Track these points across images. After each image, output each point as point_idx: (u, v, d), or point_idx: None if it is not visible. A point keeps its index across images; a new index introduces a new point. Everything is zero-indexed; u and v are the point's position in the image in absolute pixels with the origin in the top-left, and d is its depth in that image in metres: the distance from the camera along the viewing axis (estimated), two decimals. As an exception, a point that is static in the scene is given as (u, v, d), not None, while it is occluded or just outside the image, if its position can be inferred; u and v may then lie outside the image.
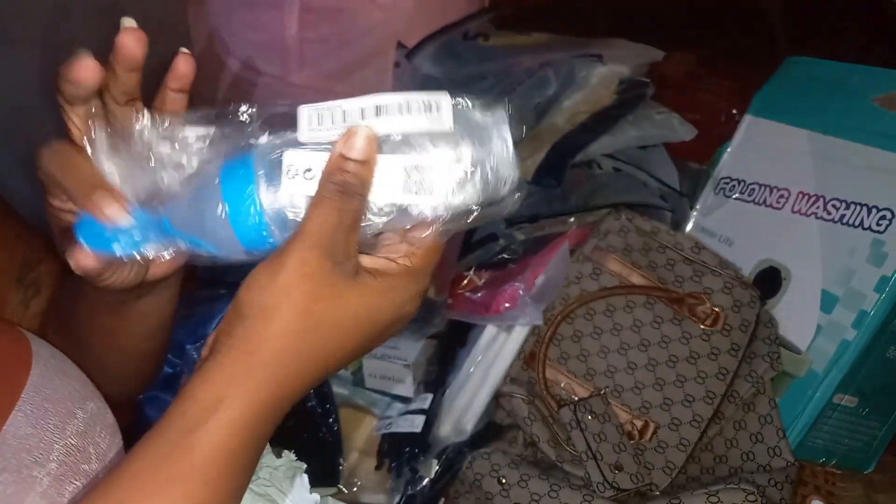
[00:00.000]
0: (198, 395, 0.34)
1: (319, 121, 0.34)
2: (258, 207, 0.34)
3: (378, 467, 0.70)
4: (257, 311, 0.34)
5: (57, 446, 0.37)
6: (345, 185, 0.33)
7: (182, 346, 0.79)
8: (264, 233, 0.34)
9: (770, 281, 0.78)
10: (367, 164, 0.33)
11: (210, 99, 0.99)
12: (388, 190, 0.34)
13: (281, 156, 0.34)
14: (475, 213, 0.35)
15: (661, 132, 0.87)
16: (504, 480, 0.68)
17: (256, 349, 0.34)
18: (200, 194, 0.35)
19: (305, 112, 0.34)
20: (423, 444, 0.69)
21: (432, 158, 0.33)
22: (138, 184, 0.36)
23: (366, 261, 0.36)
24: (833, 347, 0.71)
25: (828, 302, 0.72)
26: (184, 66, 0.40)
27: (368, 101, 0.34)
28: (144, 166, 0.36)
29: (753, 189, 0.84)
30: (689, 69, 1.02)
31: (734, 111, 0.95)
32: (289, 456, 0.52)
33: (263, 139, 0.35)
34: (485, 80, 0.88)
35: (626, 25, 1.03)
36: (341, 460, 0.73)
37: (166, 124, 0.37)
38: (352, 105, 0.34)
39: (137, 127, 0.36)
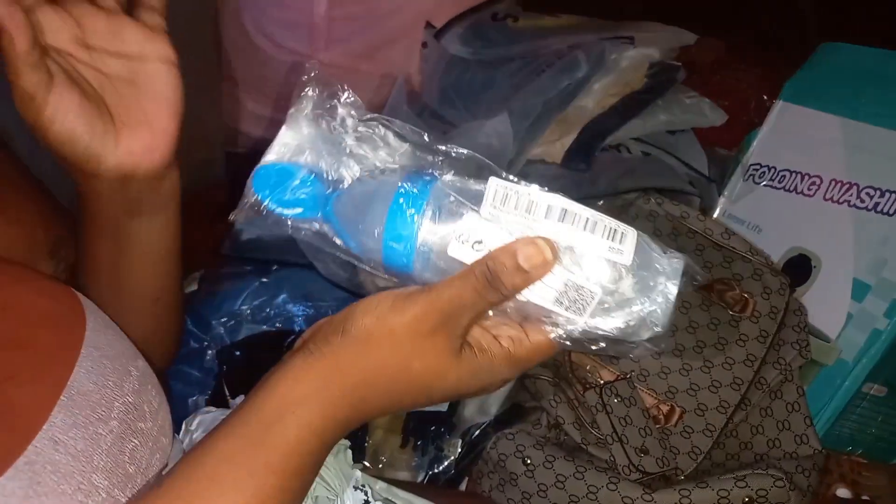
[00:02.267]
0: (280, 390, 0.34)
1: (504, 201, 0.34)
2: (413, 236, 0.34)
3: (403, 445, 0.70)
4: (363, 335, 0.34)
5: (117, 403, 0.37)
6: (498, 282, 0.33)
7: (208, 321, 0.79)
8: (405, 260, 0.35)
9: (800, 268, 0.77)
10: (529, 277, 0.33)
11: (236, 76, 0.98)
12: (541, 294, 0.34)
13: (459, 208, 0.34)
14: (602, 346, 0.35)
15: (691, 117, 0.86)
16: (529, 461, 0.68)
17: (349, 369, 0.34)
18: (371, 197, 0.35)
19: (493, 186, 0.34)
20: (448, 423, 0.69)
21: (595, 284, 0.33)
22: (322, 156, 0.37)
23: (475, 332, 0.36)
24: (863, 337, 0.70)
25: (859, 291, 0.72)
26: None
27: (557, 201, 0.34)
28: (336, 145, 0.36)
29: (784, 176, 0.83)
30: (719, 55, 1.01)
31: (765, 97, 0.94)
32: None
33: (448, 176, 0.35)
34: (513, 62, 0.88)
35: (656, 10, 1.01)
36: (367, 438, 0.73)
37: (370, 120, 0.37)
38: (541, 198, 0.34)
39: (341, 110, 0.37)
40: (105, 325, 0.40)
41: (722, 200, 0.88)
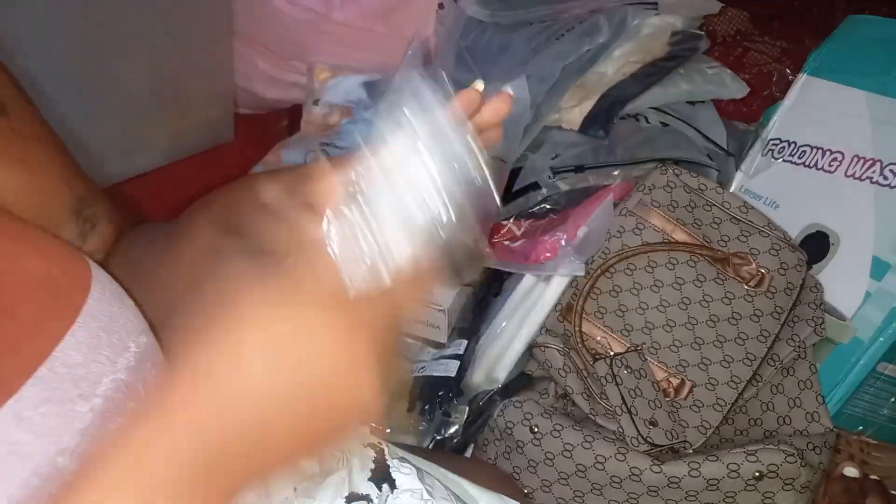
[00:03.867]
0: None
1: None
2: None
3: (410, 409, 0.70)
4: None
5: (106, 380, 0.34)
6: None
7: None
8: None
9: (817, 245, 0.76)
10: None
11: (254, 38, 0.96)
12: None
13: None
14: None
15: (712, 88, 0.84)
16: (536, 429, 0.68)
17: None
18: None
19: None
20: (456, 389, 0.68)
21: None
22: None
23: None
24: (881, 315, 0.69)
25: (878, 269, 0.70)
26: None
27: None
28: None
29: (804, 151, 0.82)
30: (741, 26, 0.99)
31: (788, 70, 0.91)
32: None
33: None
34: (531, 26, 0.86)
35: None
36: None
37: None
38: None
39: None
40: (112, 296, 0.37)
41: (739, 175, 0.86)
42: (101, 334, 0.35)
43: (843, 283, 0.72)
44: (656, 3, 0.80)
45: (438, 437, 0.69)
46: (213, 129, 1.00)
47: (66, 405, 0.32)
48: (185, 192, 0.98)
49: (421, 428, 0.69)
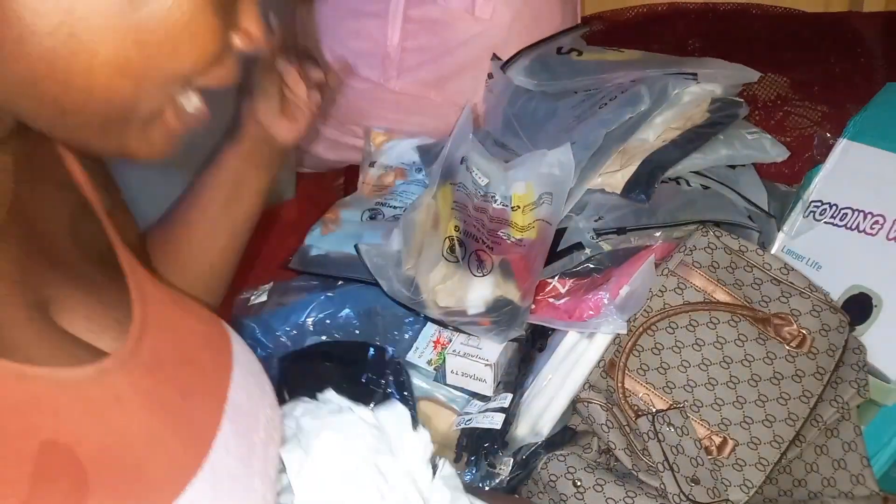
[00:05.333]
0: None
1: None
2: None
3: (456, 460, 0.73)
4: None
5: (261, 414, 0.40)
6: None
7: (275, 331, 0.83)
8: None
9: (859, 307, 0.77)
10: None
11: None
12: None
13: None
14: None
15: (752, 152, 0.87)
16: (579, 483, 0.70)
17: None
18: None
19: None
20: (501, 441, 0.71)
21: None
22: None
23: None
24: (925, 378, 0.69)
25: (921, 331, 0.71)
26: None
27: None
28: None
29: (846, 214, 0.83)
30: (781, 92, 1.02)
31: (828, 135, 0.94)
32: None
33: None
34: (576, 94, 0.90)
35: (718, 46, 1.03)
36: None
37: None
38: None
39: None
40: (245, 348, 0.44)
41: (781, 236, 0.88)
42: (249, 377, 0.41)
43: (886, 344, 0.73)
44: (696, 74, 0.84)
45: (483, 488, 0.72)
46: (278, 187, 1.07)
47: (248, 437, 0.38)
48: (252, 243, 1.05)
49: (468, 479, 0.71)
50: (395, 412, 0.53)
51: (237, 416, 0.38)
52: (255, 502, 0.37)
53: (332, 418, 0.50)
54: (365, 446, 0.48)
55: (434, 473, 0.51)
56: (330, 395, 0.54)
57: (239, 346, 0.42)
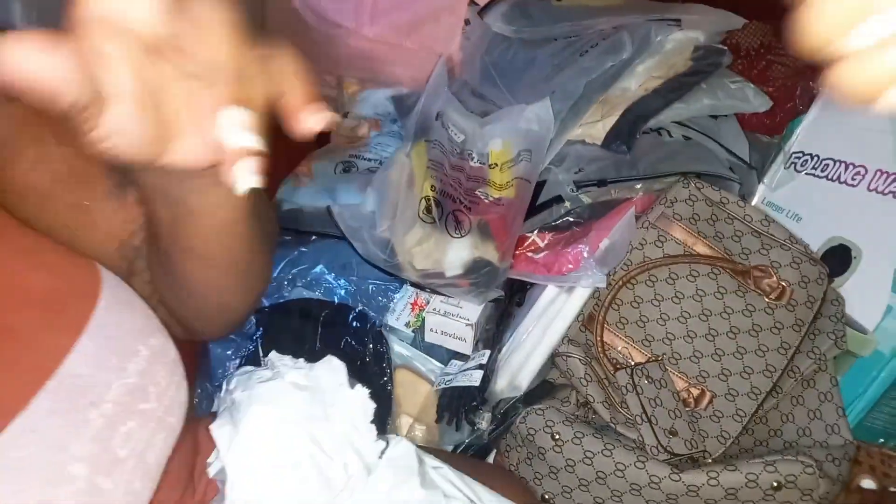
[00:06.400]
0: None
1: None
2: None
3: (438, 420, 0.72)
4: None
5: (115, 385, 0.35)
6: None
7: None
8: None
9: (839, 259, 0.77)
10: None
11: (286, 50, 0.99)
12: None
13: None
14: None
15: (735, 102, 0.85)
16: (558, 436, 0.69)
17: None
18: None
19: None
20: (480, 397, 0.70)
21: None
22: None
23: None
24: (902, 329, 0.69)
25: (900, 283, 0.71)
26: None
27: None
28: None
29: (827, 165, 0.82)
30: (765, 39, 0.99)
31: (811, 84, 0.92)
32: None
33: None
34: (555, 42, 0.87)
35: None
36: (389, 420, 0.75)
37: None
38: None
39: None
40: (123, 301, 0.38)
41: (761, 188, 0.87)
42: (109, 342, 0.35)
43: (864, 296, 0.73)
44: (679, 20, 0.81)
45: (463, 445, 0.71)
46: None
47: (75, 415, 0.33)
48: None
49: (449, 436, 0.71)
50: (330, 367, 0.51)
51: (66, 389, 0.33)
52: (65, 491, 0.32)
53: (261, 388, 0.47)
54: (297, 415, 0.46)
55: (384, 450, 0.50)
56: (273, 356, 0.52)
57: (109, 305, 0.36)
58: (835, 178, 0.81)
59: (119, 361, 0.35)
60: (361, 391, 0.49)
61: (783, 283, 0.71)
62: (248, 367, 0.55)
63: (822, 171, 0.83)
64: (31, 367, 0.33)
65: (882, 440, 0.73)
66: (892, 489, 0.69)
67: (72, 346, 0.34)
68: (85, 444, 0.33)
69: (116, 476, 0.34)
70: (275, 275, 0.80)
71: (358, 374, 0.73)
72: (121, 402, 0.35)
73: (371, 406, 0.49)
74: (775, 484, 0.63)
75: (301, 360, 0.53)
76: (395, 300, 0.77)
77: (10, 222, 0.38)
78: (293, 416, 0.46)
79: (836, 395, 0.70)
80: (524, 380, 0.74)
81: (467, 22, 0.94)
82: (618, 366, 0.72)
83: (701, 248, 0.74)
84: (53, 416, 0.32)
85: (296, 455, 0.45)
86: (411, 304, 0.77)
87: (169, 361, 0.39)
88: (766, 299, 0.71)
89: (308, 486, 0.45)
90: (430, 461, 0.53)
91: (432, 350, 0.78)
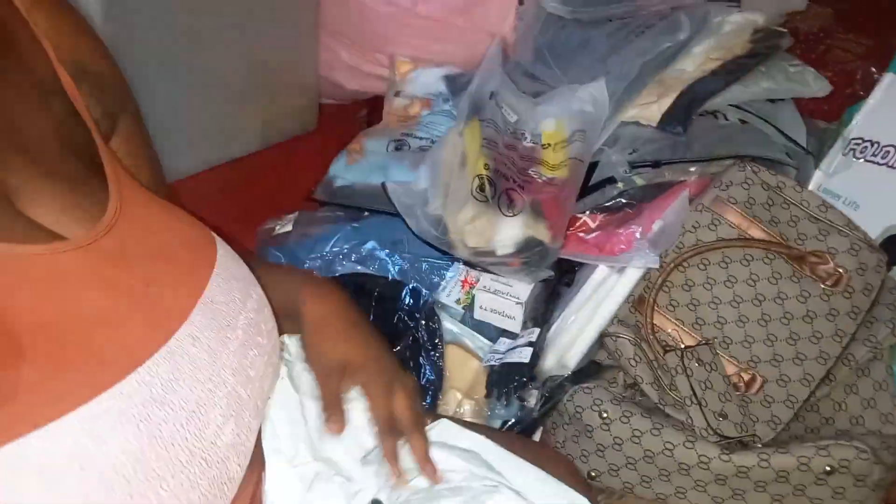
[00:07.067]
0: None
1: None
2: None
3: (487, 396, 0.73)
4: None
5: (241, 316, 0.42)
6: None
7: (301, 260, 0.83)
8: None
9: (898, 247, 0.75)
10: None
11: (339, 30, 1.00)
12: None
13: None
14: None
15: (794, 86, 0.83)
16: (605, 415, 0.70)
17: None
18: None
19: None
20: (529, 374, 0.71)
21: None
22: None
23: None
24: (963, 319, 0.68)
25: (961, 272, 0.69)
26: None
27: None
28: None
29: (888, 152, 0.81)
30: (826, 23, 0.97)
31: (873, 69, 0.90)
32: None
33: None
34: (611, 22, 0.87)
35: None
36: (440, 395, 0.76)
37: None
38: None
39: None
40: (232, 255, 0.46)
41: (818, 174, 0.86)
42: (232, 281, 0.43)
43: (924, 285, 0.72)
44: (739, 1, 0.80)
45: (511, 421, 0.72)
46: (299, 118, 1.05)
47: (222, 332, 0.40)
48: (274, 177, 1.03)
49: (498, 411, 0.72)
50: None
51: (211, 311, 0.40)
52: (221, 392, 0.39)
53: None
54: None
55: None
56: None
57: (225, 253, 0.44)
58: (895, 165, 0.80)
59: (241, 298, 0.43)
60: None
61: (840, 270, 0.70)
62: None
63: (882, 158, 0.81)
64: (188, 287, 0.40)
65: (937, 431, 0.72)
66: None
67: (209, 276, 0.42)
68: (230, 356, 0.40)
69: (249, 390, 0.41)
70: (327, 249, 0.81)
71: (410, 349, 0.74)
72: (247, 331, 0.42)
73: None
74: (828, 468, 0.63)
75: None
76: (446, 277, 0.78)
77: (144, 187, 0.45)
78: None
79: (892, 385, 0.69)
80: (573, 359, 0.74)
81: (521, 2, 0.94)
82: (667, 348, 0.72)
83: (756, 233, 0.73)
84: (206, 329, 0.39)
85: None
86: (462, 281, 0.78)
87: (269, 309, 0.46)
88: (822, 285, 0.70)
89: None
90: (468, 440, 0.55)
91: (481, 327, 0.79)
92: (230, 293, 0.42)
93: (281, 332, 0.49)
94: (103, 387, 0.33)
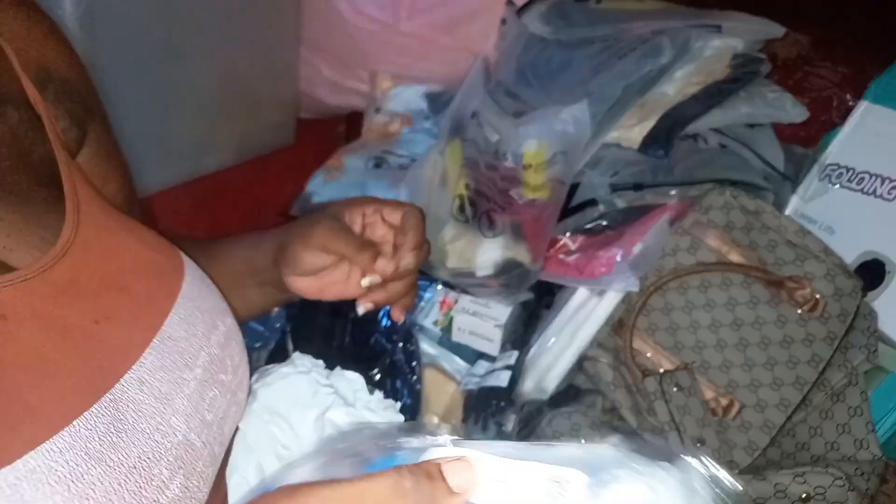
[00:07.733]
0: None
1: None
2: None
3: (464, 420, 0.72)
4: None
5: (203, 353, 0.38)
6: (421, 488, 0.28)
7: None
8: None
9: (873, 273, 0.76)
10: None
11: (320, 45, 0.99)
12: None
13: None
14: None
15: (773, 111, 0.84)
16: (584, 441, 0.69)
17: None
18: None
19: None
20: (507, 399, 0.70)
21: None
22: None
23: None
24: (936, 346, 0.69)
25: (935, 299, 0.70)
26: None
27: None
28: None
29: (863, 178, 0.82)
30: (802, 51, 0.99)
31: (848, 96, 0.91)
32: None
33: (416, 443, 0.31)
34: (593, 44, 0.87)
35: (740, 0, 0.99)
36: (417, 418, 0.74)
37: None
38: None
39: None
40: (201, 280, 0.42)
41: (795, 199, 0.86)
42: (196, 313, 0.39)
43: (898, 312, 0.72)
44: (719, 26, 0.81)
45: (488, 442, 0.71)
46: (276, 132, 1.03)
47: (177, 372, 0.37)
48: (250, 192, 1.02)
49: (475, 437, 0.71)
50: (346, 378, 0.53)
51: (167, 349, 0.37)
52: (169, 442, 0.35)
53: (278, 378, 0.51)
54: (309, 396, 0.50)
55: None
56: (295, 356, 0.53)
57: (192, 280, 0.41)
58: (870, 191, 0.81)
59: (205, 331, 0.39)
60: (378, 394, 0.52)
61: (816, 296, 0.71)
62: (271, 366, 0.55)
63: (857, 184, 0.82)
64: (141, 323, 0.37)
65: (911, 458, 0.72)
66: (921, 508, 0.69)
67: (170, 308, 0.38)
68: (183, 400, 0.36)
69: (204, 436, 0.37)
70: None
71: (387, 372, 0.73)
72: (208, 370, 0.38)
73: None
74: (804, 495, 0.63)
75: (321, 361, 0.54)
76: (424, 298, 0.77)
77: (110, 205, 0.41)
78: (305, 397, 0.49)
79: (867, 411, 0.70)
80: (551, 382, 0.74)
81: (504, 21, 0.94)
82: (647, 372, 0.72)
83: (735, 257, 0.74)
84: (159, 371, 0.36)
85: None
86: (440, 302, 0.78)
87: (239, 341, 0.43)
88: (799, 311, 0.71)
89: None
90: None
91: (459, 349, 0.78)
92: (193, 327, 0.38)
93: (235, 315, 0.44)
94: (32, 444, 0.30)
